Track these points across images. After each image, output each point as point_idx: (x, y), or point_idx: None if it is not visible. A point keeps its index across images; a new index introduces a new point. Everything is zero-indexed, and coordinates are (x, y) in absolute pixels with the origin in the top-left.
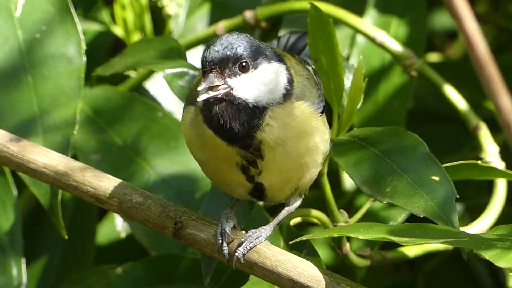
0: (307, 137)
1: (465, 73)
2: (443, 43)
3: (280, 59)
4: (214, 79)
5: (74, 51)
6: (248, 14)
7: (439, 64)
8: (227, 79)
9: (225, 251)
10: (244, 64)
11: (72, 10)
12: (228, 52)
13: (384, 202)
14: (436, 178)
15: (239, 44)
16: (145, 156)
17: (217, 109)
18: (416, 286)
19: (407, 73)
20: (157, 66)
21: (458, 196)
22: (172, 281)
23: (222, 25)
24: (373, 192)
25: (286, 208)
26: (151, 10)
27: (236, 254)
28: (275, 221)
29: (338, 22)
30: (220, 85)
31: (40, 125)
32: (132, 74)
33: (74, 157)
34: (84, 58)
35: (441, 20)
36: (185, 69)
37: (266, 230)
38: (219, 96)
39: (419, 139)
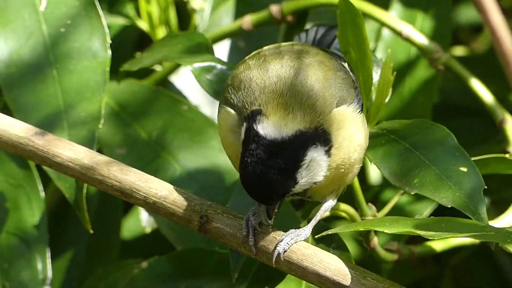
0: (352, 137)
1: (490, 67)
2: (468, 37)
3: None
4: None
5: (99, 45)
6: (274, 8)
7: (464, 57)
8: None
9: (251, 242)
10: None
11: (97, 4)
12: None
13: (412, 193)
14: (464, 170)
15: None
16: (170, 150)
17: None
18: (442, 281)
19: (433, 67)
20: (185, 60)
21: (486, 187)
22: (198, 275)
23: (248, 19)
24: (401, 183)
25: (322, 208)
26: (176, 4)
27: (278, 248)
28: (313, 221)
29: (363, 16)
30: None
31: (65, 119)
32: (158, 68)
33: (99, 151)
34: (109, 52)
35: (466, 13)
36: (212, 63)
37: (306, 231)
38: None
39: (447, 131)
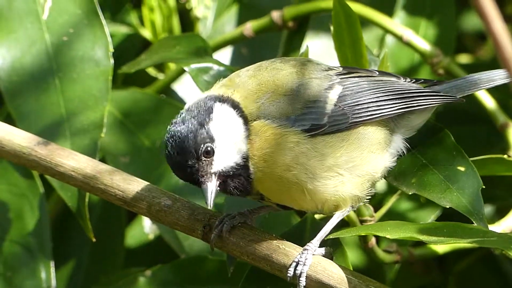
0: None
1: None
2: (474, 45)
3: (222, 101)
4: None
5: (101, 53)
6: (275, 15)
7: (469, 65)
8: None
9: (212, 236)
10: (208, 149)
11: (100, 12)
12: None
13: (410, 193)
14: (462, 169)
15: (187, 140)
16: None
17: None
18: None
19: (434, 72)
20: (182, 62)
21: (484, 187)
22: (201, 283)
23: (249, 26)
24: (398, 183)
25: (330, 220)
26: (179, 12)
27: (300, 282)
28: (321, 233)
29: (366, 22)
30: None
31: (68, 128)
32: (160, 76)
33: (103, 160)
34: (112, 61)
35: (472, 21)
36: (209, 64)
37: (310, 247)
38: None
39: (445, 130)
